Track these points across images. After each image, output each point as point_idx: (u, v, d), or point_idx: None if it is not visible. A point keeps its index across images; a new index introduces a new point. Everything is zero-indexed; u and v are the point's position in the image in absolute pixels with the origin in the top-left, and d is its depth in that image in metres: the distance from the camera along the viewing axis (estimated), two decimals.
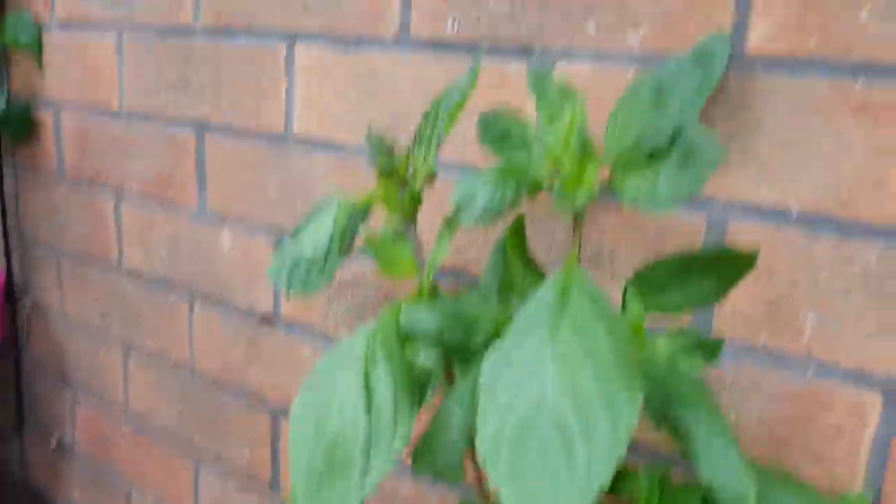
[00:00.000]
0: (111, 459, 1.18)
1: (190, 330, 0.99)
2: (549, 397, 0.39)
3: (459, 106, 0.52)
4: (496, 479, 0.39)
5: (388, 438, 0.43)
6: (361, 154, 0.76)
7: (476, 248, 0.70)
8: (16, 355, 1.29)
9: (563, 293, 0.43)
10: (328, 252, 0.50)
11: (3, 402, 1.32)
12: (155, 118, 0.96)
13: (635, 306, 0.49)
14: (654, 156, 0.43)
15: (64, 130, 1.09)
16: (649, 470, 0.51)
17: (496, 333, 0.52)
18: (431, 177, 0.49)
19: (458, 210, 0.45)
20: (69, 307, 1.18)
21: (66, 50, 1.07)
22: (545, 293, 0.43)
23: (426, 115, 0.54)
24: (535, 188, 0.47)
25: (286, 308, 0.88)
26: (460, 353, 0.53)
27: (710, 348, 0.49)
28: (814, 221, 0.53)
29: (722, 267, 0.46)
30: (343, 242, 0.50)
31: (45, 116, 1.13)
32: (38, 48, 1.09)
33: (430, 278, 0.51)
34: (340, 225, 0.50)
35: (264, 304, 0.90)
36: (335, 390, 0.45)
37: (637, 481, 0.54)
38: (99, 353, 1.14)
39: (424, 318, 0.51)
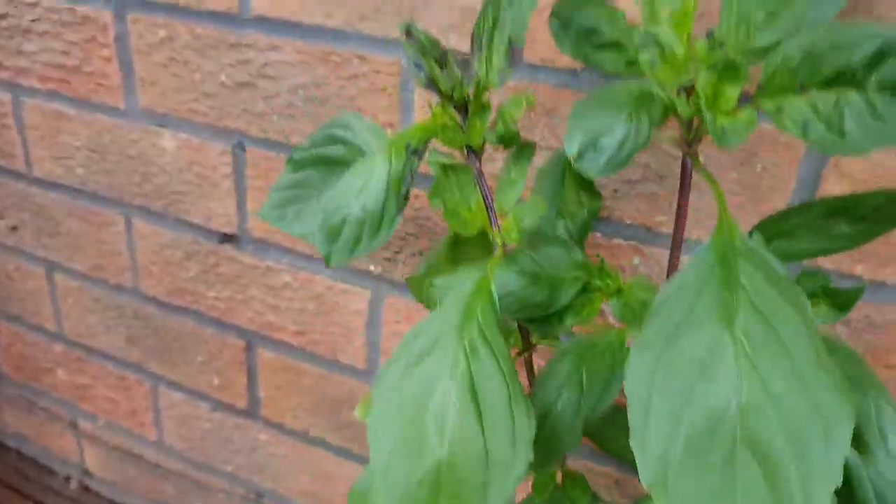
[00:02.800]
0: (47, 385, 1.05)
1: (130, 248, 0.85)
2: (734, 408, 0.31)
3: None
4: None
5: (506, 462, 0.34)
6: (339, 39, 0.62)
7: None
8: None
9: (724, 263, 0.33)
10: (384, 208, 0.38)
11: None
12: None
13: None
14: (835, 79, 0.33)
15: None
16: None
17: (582, 291, 0.43)
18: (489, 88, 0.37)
19: (581, 157, 0.34)
20: None
21: None
22: (699, 266, 0.34)
23: (485, 9, 0.41)
24: (661, 116, 0.36)
25: (253, 223, 0.75)
26: (540, 314, 0.44)
27: (842, 297, 0.41)
28: None
29: (886, 212, 0.37)
30: (400, 194, 0.38)
31: None
32: None
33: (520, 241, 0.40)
34: (396, 171, 0.38)
35: (224, 218, 0.76)
36: (431, 395, 0.35)
37: None
38: (13, 273, 0.98)
39: (507, 282, 0.41)
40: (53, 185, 0.87)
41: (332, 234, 0.39)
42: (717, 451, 0.31)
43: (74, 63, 0.77)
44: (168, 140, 0.76)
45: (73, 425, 1.05)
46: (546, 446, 0.40)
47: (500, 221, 0.42)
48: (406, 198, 0.39)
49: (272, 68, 0.66)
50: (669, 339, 0.33)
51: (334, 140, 0.47)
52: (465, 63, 0.40)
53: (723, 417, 0.31)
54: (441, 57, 0.40)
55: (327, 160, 0.48)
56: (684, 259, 0.52)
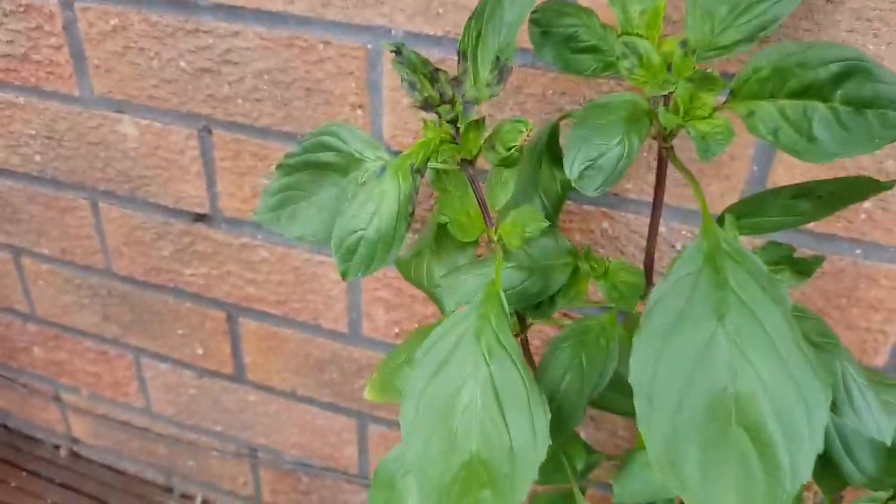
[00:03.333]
0: (24, 363, 1.06)
1: (98, 231, 0.85)
2: (729, 394, 0.36)
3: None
4: (679, 487, 0.36)
5: (529, 451, 0.39)
6: (303, 25, 0.62)
7: None
8: None
9: (712, 264, 0.37)
10: (395, 229, 0.41)
11: None
12: None
13: (729, 226, 0.45)
14: (803, 92, 0.37)
15: None
16: None
17: (571, 276, 0.48)
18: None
19: (581, 178, 0.37)
20: None
21: None
22: (689, 263, 0.38)
23: (471, 23, 0.43)
24: (648, 129, 0.39)
25: (225, 202, 0.76)
26: (536, 301, 0.48)
27: (804, 265, 0.47)
28: None
29: (842, 194, 0.42)
30: (408, 213, 0.41)
31: None
32: None
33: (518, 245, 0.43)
34: (404, 195, 0.41)
35: (195, 199, 0.77)
36: (457, 397, 0.39)
37: None
38: None
39: (507, 279, 0.45)
40: (10, 173, 0.85)
41: (348, 253, 0.41)
42: (715, 430, 0.36)
43: (21, 52, 0.75)
44: (129, 126, 0.75)
45: (57, 398, 1.06)
46: (554, 425, 0.45)
47: (493, 219, 0.45)
48: (412, 214, 0.42)
49: (235, 54, 0.66)
50: (668, 334, 0.37)
51: (325, 147, 0.49)
52: (455, 80, 0.42)
53: (719, 402, 0.36)
54: (432, 74, 0.42)
55: (318, 164, 0.50)
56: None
